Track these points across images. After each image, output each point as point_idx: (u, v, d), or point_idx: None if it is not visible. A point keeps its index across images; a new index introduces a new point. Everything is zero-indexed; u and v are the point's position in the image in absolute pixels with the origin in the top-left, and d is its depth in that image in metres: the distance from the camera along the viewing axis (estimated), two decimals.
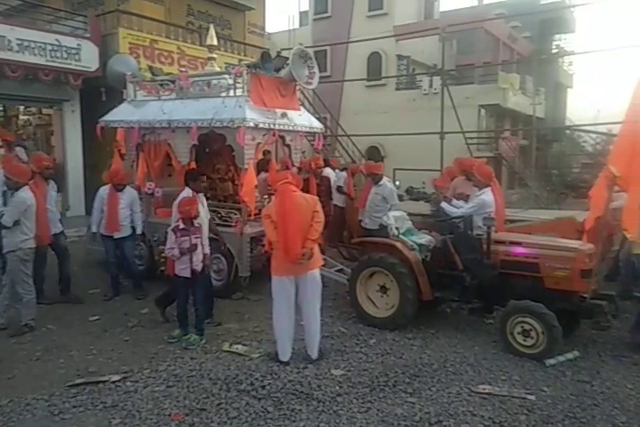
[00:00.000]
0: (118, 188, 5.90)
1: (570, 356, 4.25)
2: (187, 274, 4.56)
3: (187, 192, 5.06)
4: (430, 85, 17.73)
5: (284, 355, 4.18)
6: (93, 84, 9.96)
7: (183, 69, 10.75)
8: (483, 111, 18.10)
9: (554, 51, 25.57)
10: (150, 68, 8.19)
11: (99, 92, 9.63)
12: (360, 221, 6.99)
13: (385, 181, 6.75)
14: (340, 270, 6.17)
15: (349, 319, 5.27)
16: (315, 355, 4.23)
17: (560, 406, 3.50)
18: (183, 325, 4.71)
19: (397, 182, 10.64)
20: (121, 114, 6.86)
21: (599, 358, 4.35)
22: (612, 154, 4.37)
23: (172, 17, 12.67)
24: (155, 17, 11.56)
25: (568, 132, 23.35)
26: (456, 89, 15.67)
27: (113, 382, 3.82)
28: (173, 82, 6.54)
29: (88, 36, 10.22)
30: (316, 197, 4.32)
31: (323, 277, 5.92)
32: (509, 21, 21.55)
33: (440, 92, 13.27)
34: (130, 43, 10.47)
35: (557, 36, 26.35)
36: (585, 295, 4.27)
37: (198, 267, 4.59)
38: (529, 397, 3.61)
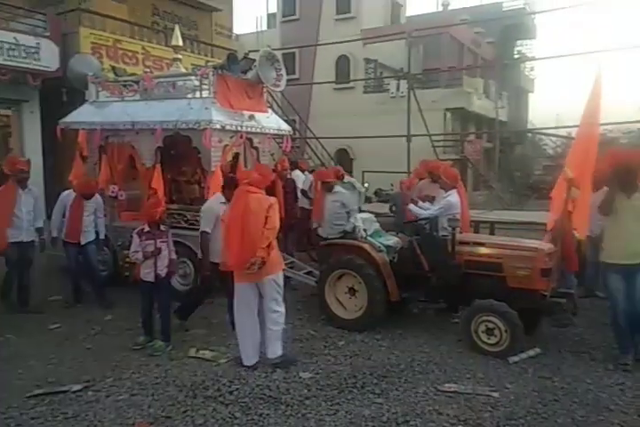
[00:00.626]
0: (87, 196, 5.71)
1: (532, 353, 4.36)
2: (150, 278, 4.48)
3: (217, 198, 4.83)
4: (397, 89, 17.99)
5: (249, 360, 4.11)
6: (54, 84, 9.64)
7: (148, 70, 10.52)
8: (448, 114, 18.49)
9: (516, 56, 26.41)
10: (113, 68, 8.02)
11: (59, 93, 9.35)
12: (315, 229, 6.51)
13: (339, 188, 6.31)
14: (308, 273, 6.16)
15: (318, 322, 5.27)
16: (269, 355, 4.10)
17: (523, 402, 3.58)
18: (148, 331, 4.61)
19: (366, 184, 10.72)
20: (82, 115, 6.67)
21: (559, 354, 4.47)
22: (569, 156, 4.52)
23: (137, 17, 12.40)
24: (118, 16, 11.30)
25: (530, 135, 24.12)
26: (422, 93, 15.93)
27: (74, 391, 3.69)
28: (137, 83, 6.42)
29: (48, 34, 9.88)
30: (273, 200, 4.09)
31: (291, 279, 5.95)
32: (473, 27, 22.11)
33: (407, 96, 13.46)
34: (92, 42, 10.19)
35: (519, 42, 27.29)
36: (545, 293, 4.40)
37: (162, 272, 4.50)
38: (493, 394, 3.68)
